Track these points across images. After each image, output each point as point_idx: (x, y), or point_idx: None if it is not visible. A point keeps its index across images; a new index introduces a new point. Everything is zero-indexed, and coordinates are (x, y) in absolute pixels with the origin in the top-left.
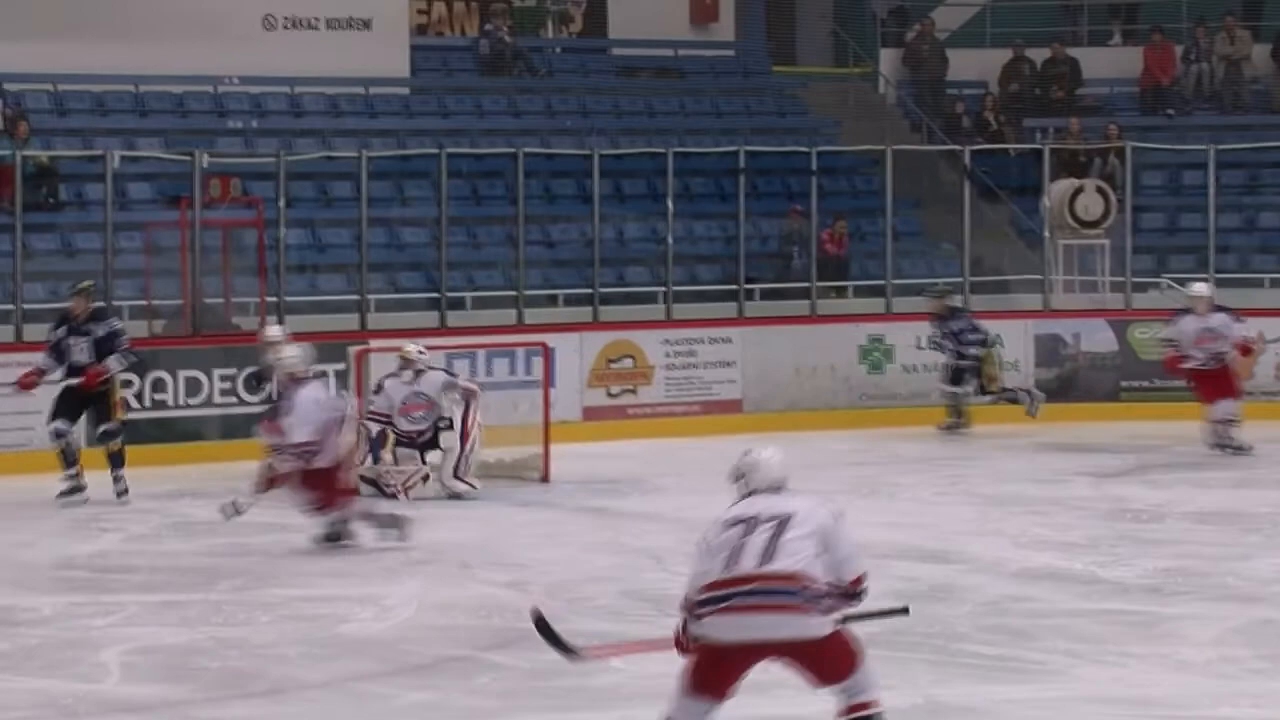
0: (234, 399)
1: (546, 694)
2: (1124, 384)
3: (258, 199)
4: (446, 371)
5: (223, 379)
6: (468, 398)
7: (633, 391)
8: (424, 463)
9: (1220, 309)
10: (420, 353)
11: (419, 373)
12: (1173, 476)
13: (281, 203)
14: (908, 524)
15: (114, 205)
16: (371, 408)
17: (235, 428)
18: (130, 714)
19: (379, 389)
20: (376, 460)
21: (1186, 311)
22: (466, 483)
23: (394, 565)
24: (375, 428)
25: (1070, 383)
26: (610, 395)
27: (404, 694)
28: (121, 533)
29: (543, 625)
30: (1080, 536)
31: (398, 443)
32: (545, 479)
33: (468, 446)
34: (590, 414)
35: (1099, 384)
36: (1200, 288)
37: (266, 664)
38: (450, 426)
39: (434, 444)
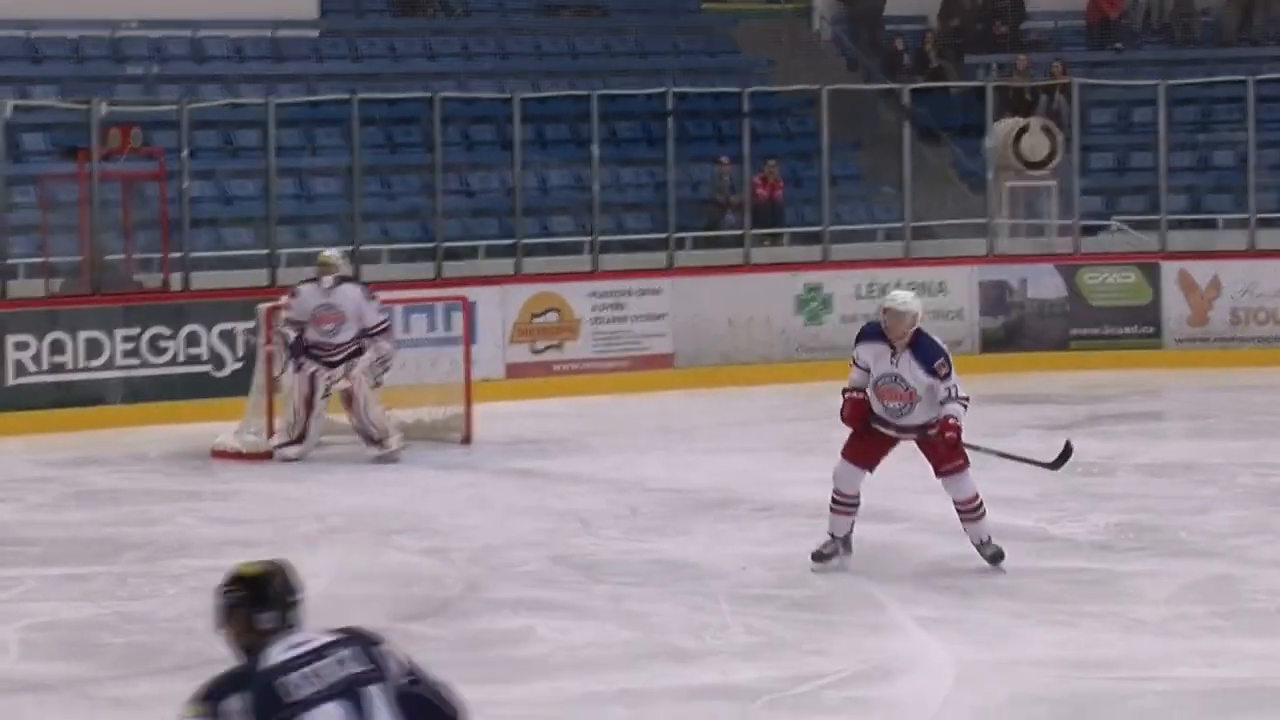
0: (136, 360)
1: (471, 665)
2: (1074, 332)
3: (159, 149)
4: (367, 294)
5: (125, 340)
6: (381, 343)
7: (558, 347)
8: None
9: None
10: (342, 258)
11: (338, 281)
12: (1124, 428)
13: (184, 153)
14: None
15: (7, 158)
16: (288, 314)
17: (139, 391)
18: (30, 693)
19: (294, 294)
20: (298, 369)
21: None
22: (384, 443)
23: (309, 533)
24: (292, 333)
25: (1017, 331)
26: (535, 351)
27: None
28: (19, 502)
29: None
30: (1029, 492)
31: (309, 353)
32: (467, 440)
33: (361, 406)
34: (514, 371)
35: (1047, 332)
36: None
37: (174, 639)
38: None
39: (345, 363)
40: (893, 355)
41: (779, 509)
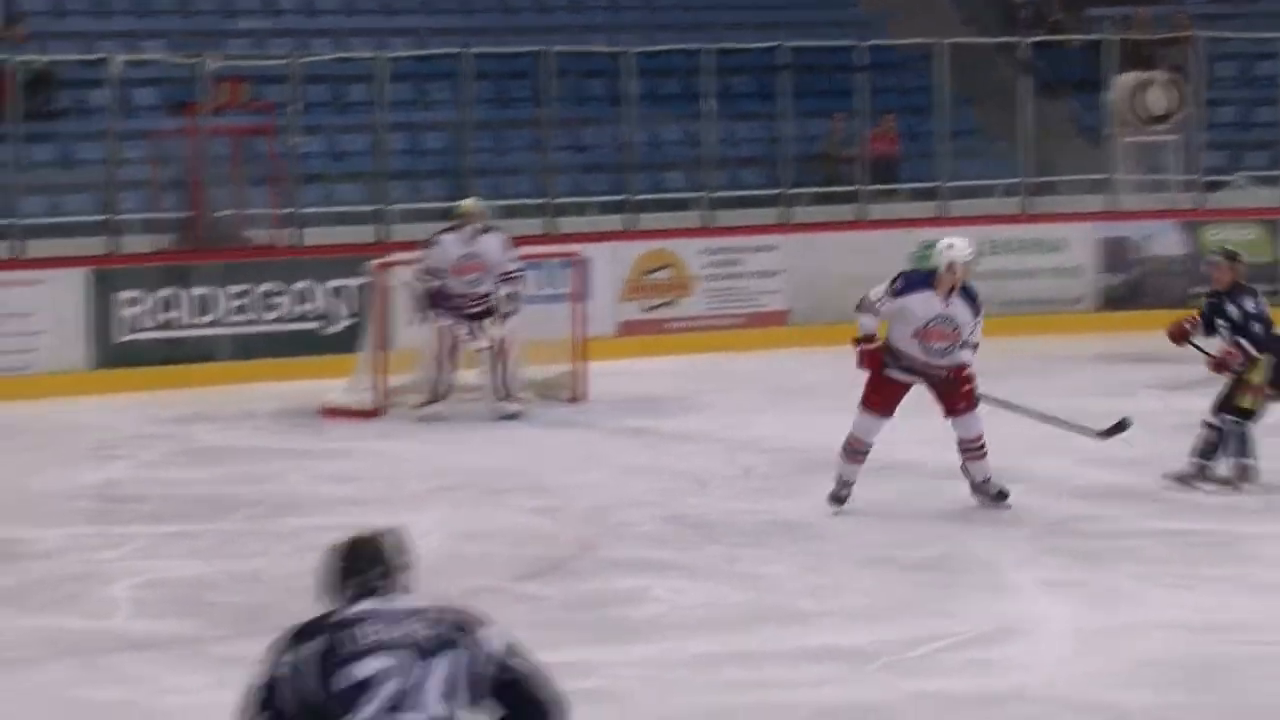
0: (247, 317)
1: (585, 626)
2: (1195, 290)
3: (270, 104)
4: (508, 244)
5: (235, 296)
6: (512, 287)
7: (671, 304)
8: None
9: None
10: (482, 207)
11: (481, 230)
12: None
13: (295, 108)
14: None
15: (117, 113)
16: (425, 263)
17: (249, 348)
18: (140, 651)
19: (434, 243)
20: (432, 320)
21: None
22: (516, 399)
23: (419, 491)
24: (432, 282)
25: (1138, 289)
26: (647, 309)
27: None
28: (131, 460)
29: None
30: (1149, 453)
31: (446, 305)
32: (579, 398)
33: (510, 362)
34: (626, 329)
35: (1168, 290)
36: None
37: (284, 598)
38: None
39: (487, 315)
40: (944, 299)
41: (895, 469)
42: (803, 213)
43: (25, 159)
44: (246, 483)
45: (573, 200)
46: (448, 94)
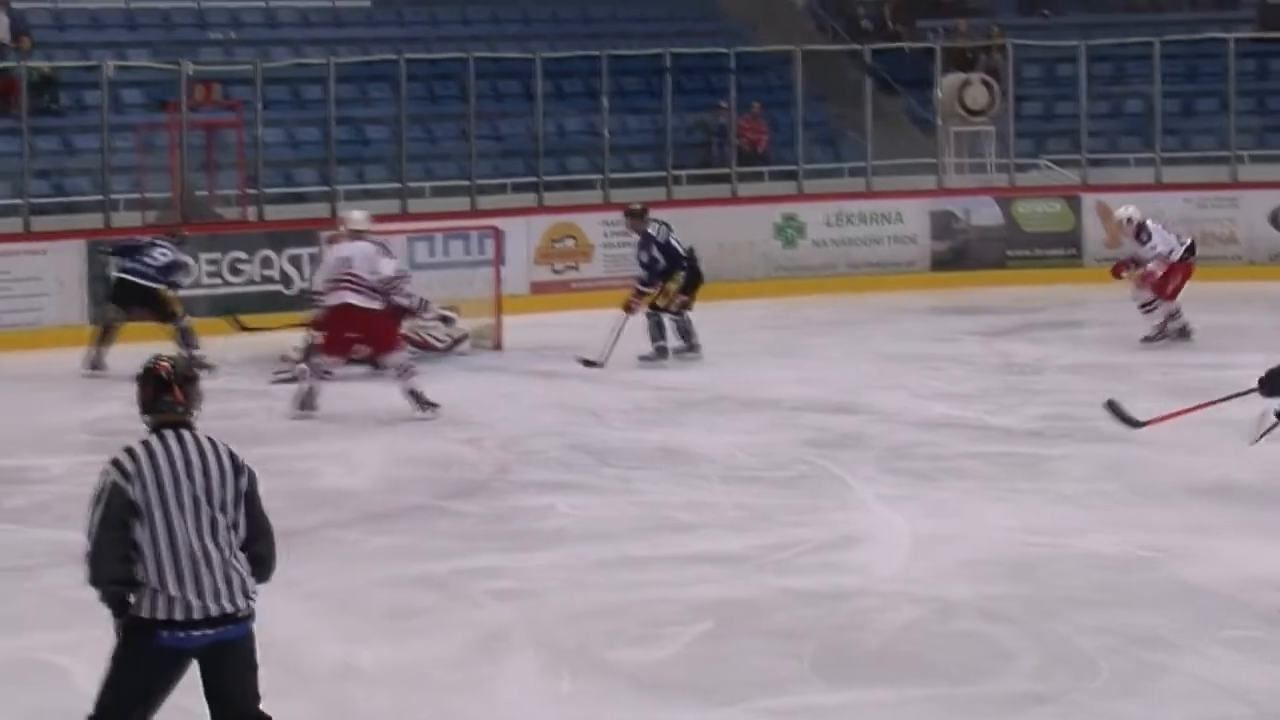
0: (219, 281)
1: (501, 537)
2: (1009, 253)
3: (237, 102)
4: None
5: (209, 263)
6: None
7: (575, 268)
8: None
9: None
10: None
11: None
12: (1052, 334)
13: (259, 105)
14: (817, 380)
15: (110, 109)
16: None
17: (220, 306)
18: None
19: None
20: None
21: None
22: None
23: (362, 425)
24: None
25: (962, 253)
26: (555, 271)
27: (372, 539)
28: (123, 399)
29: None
30: (972, 388)
31: None
32: (498, 347)
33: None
34: (537, 288)
35: (987, 254)
36: None
37: None
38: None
39: None
40: None
41: (759, 404)
42: (683, 190)
43: (33, 148)
44: (216, 419)
45: (492, 181)
46: (386, 93)
